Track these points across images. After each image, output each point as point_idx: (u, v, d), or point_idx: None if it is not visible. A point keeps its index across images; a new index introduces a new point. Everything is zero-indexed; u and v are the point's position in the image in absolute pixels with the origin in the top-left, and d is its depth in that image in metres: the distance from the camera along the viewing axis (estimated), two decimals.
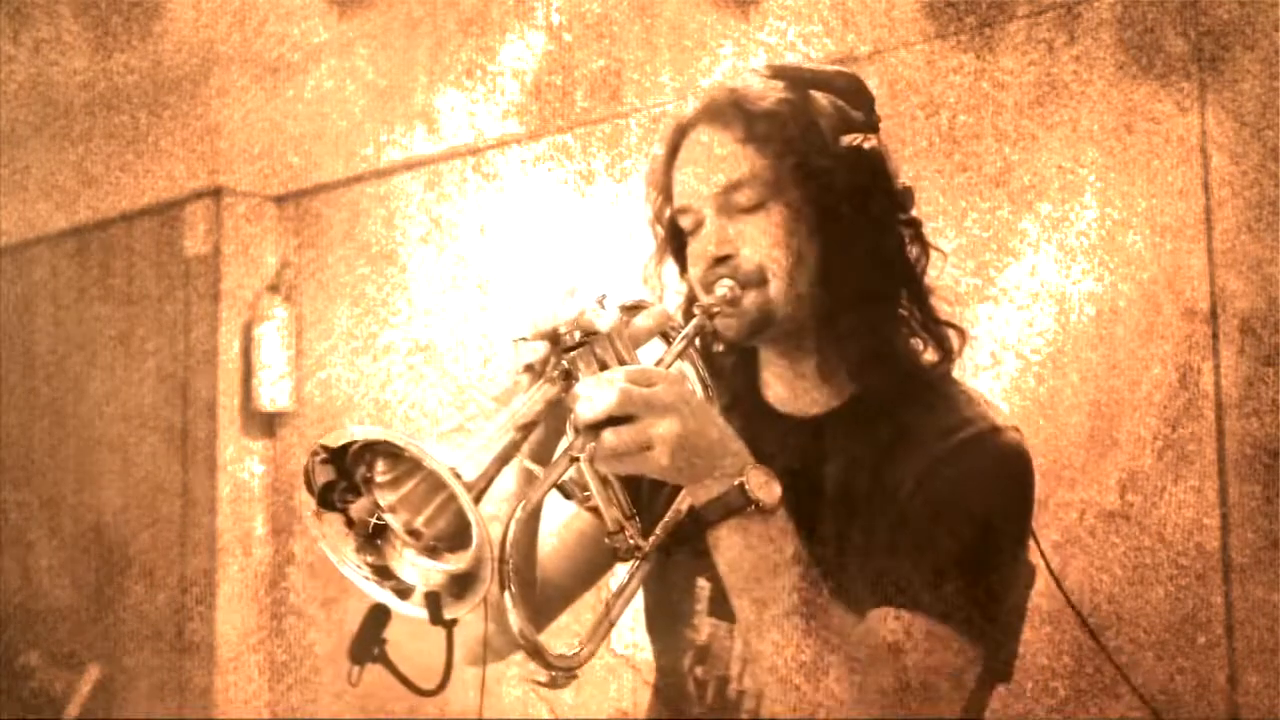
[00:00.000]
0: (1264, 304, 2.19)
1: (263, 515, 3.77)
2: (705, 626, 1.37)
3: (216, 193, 3.77)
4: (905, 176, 1.41)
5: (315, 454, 1.08)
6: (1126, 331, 2.32)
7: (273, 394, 3.69)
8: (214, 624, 3.66)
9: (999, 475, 1.27)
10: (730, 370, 1.43)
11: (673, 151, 1.38)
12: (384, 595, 1.10)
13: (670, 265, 1.43)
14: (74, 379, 4.09)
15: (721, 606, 1.29)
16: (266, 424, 3.79)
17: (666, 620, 1.41)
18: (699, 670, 1.37)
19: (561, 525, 1.46)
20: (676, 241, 1.40)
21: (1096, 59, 2.37)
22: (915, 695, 1.17)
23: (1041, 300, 2.40)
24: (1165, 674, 2.23)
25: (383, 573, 1.10)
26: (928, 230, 1.41)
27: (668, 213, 1.40)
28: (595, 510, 1.30)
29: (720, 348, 1.43)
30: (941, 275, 1.40)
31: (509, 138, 3.28)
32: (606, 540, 1.28)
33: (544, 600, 1.45)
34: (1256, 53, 2.21)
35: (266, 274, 3.82)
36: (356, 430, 1.06)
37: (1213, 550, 2.21)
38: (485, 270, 3.32)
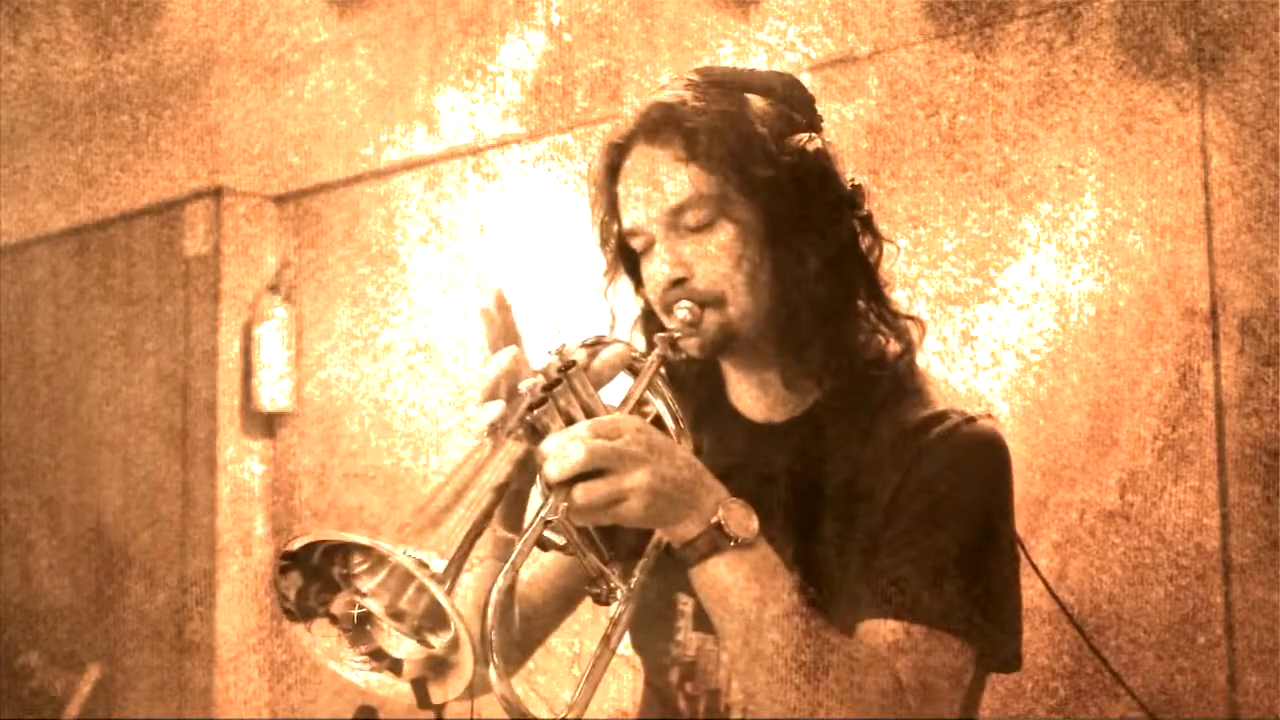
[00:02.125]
0: (1264, 304, 2.19)
1: (263, 515, 3.77)
2: (692, 642, 1.36)
3: (216, 193, 3.77)
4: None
5: (278, 565, 1.07)
6: (1126, 331, 2.32)
7: (273, 394, 3.69)
8: (214, 624, 3.66)
9: (977, 467, 1.26)
10: (695, 381, 1.41)
11: (612, 170, 1.35)
12: (381, 678, 1.09)
13: (624, 282, 1.40)
14: (74, 379, 4.09)
15: (706, 621, 1.27)
16: (266, 424, 3.78)
17: (651, 638, 1.40)
18: (688, 686, 1.36)
19: (537, 565, 1.44)
20: (629, 259, 1.38)
21: (1096, 59, 2.37)
22: (917, 693, 1.17)
23: (1041, 300, 2.40)
24: (1165, 674, 2.23)
25: (378, 655, 1.09)
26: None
27: (615, 230, 1.37)
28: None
29: (683, 355, 1.39)
30: (895, 266, 1.37)
31: (509, 138, 3.28)
32: (586, 589, 1.24)
33: (528, 630, 1.43)
34: (1256, 53, 2.21)
35: (266, 274, 3.82)
36: (322, 534, 1.05)
37: (1213, 550, 2.21)
38: (485, 270, 3.32)
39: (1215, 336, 2.23)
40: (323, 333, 3.70)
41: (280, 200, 3.84)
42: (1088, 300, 2.36)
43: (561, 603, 1.46)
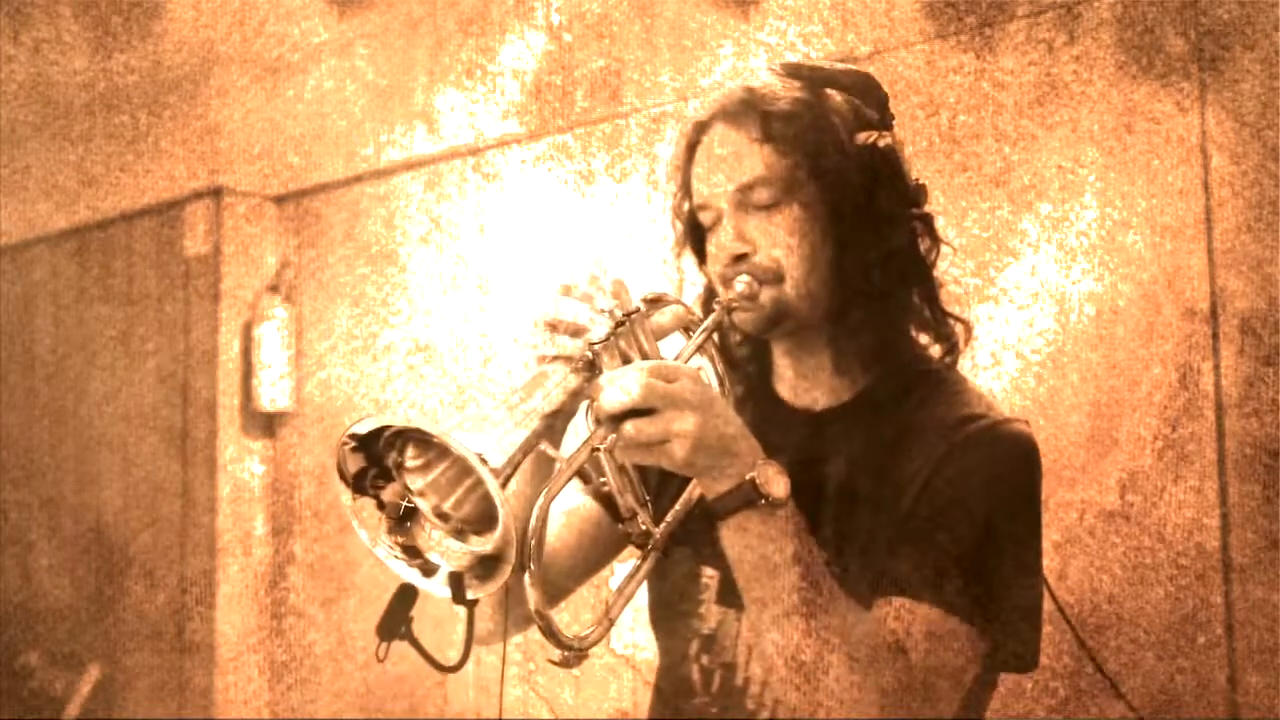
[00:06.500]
0: (1264, 304, 2.19)
1: (263, 515, 3.77)
2: (713, 615, 1.38)
3: (216, 193, 3.77)
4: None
5: (345, 443, 1.11)
6: (1126, 331, 2.32)
7: (273, 394, 3.69)
8: (214, 624, 3.66)
9: (1010, 465, 1.29)
10: (744, 363, 1.46)
11: (691, 149, 1.40)
12: (410, 574, 1.14)
13: (688, 257, 1.45)
14: (74, 379, 4.10)
15: (729, 595, 1.32)
16: (266, 424, 3.79)
17: (671, 613, 1.42)
18: (705, 659, 1.38)
19: (563, 521, 1.47)
20: (695, 235, 1.42)
21: (1096, 59, 2.37)
22: (917, 692, 1.18)
23: (1041, 300, 2.40)
24: (1165, 674, 2.23)
25: (411, 552, 1.15)
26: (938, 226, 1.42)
27: (686, 207, 1.42)
28: (607, 497, 1.33)
29: (737, 338, 1.45)
30: (947, 270, 1.41)
31: (509, 138, 3.28)
32: (620, 527, 1.30)
33: (547, 588, 1.46)
34: (1256, 53, 2.21)
35: (266, 274, 3.82)
36: (387, 418, 1.11)
37: (1213, 550, 2.21)
38: (485, 270, 3.32)
39: (1215, 336, 2.23)
40: (323, 333, 3.70)
41: (280, 200, 3.84)
42: (1088, 300, 2.36)
43: (583, 566, 1.49)
